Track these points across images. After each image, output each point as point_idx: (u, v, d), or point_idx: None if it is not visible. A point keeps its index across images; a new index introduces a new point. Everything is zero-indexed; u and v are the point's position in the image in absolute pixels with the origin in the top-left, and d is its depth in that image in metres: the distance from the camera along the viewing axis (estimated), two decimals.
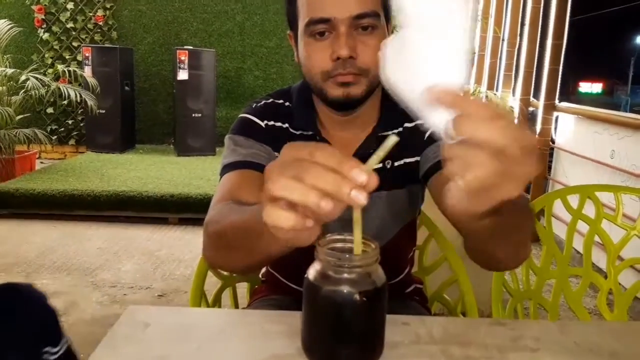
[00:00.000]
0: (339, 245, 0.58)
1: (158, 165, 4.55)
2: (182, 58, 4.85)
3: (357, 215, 0.52)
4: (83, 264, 2.91)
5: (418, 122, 0.97)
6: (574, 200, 1.28)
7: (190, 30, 5.45)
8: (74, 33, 5.43)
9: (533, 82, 3.76)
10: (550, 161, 3.58)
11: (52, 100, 4.81)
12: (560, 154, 3.50)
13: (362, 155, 0.97)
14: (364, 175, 0.45)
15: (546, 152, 3.48)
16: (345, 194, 0.45)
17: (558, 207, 1.30)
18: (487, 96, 3.88)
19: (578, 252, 1.36)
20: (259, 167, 0.94)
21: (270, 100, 1.06)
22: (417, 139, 0.97)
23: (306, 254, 0.78)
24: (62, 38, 5.44)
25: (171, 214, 3.63)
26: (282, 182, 0.46)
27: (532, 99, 3.76)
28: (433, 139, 0.96)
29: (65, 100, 4.51)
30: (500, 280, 1.26)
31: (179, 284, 2.70)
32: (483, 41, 4.26)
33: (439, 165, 0.92)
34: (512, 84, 4.02)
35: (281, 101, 1.06)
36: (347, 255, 0.55)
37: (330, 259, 0.56)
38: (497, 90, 4.11)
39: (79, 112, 5.39)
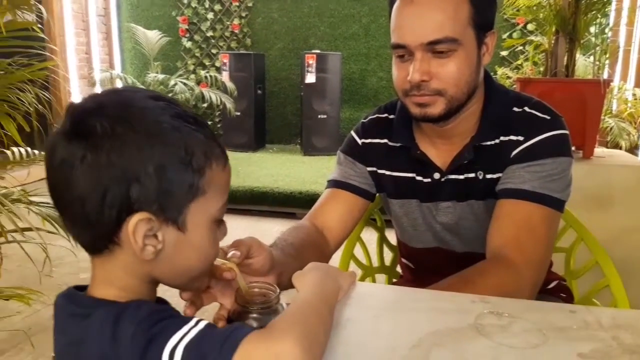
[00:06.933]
0: (256, 290, 0.72)
1: (286, 164, 4.81)
2: (310, 62, 5.07)
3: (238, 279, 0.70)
4: None
5: (512, 137, 1.00)
6: None
7: (317, 34, 5.66)
8: (213, 41, 5.92)
9: None
10: None
11: (194, 103, 5.28)
12: None
13: (458, 163, 1.01)
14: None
15: None
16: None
17: None
18: (633, 94, 3.58)
19: None
20: (349, 187, 1.12)
21: (376, 115, 1.16)
22: (505, 155, 1.00)
23: (436, 253, 1.12)
24: (202, 46, 5.96)
25: (299, 209, 3.82)
26: None
27: None
28: (517, 159, 0.98)
29: (206, 103, 4.94)
30: None
31: None
32: (629, 35, 3.93)
33: (503, 192, 0.98)
34: None
35: (385, 115, 1.15)
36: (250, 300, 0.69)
37: (240, 302, 0.69)
38: None
39: (217, 114, 5.87)
